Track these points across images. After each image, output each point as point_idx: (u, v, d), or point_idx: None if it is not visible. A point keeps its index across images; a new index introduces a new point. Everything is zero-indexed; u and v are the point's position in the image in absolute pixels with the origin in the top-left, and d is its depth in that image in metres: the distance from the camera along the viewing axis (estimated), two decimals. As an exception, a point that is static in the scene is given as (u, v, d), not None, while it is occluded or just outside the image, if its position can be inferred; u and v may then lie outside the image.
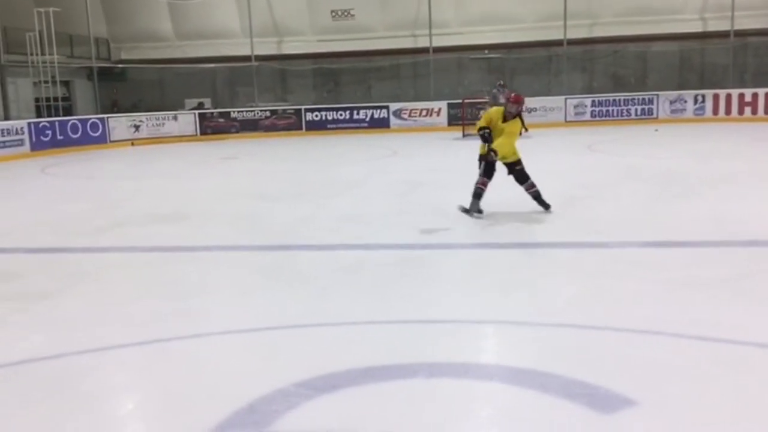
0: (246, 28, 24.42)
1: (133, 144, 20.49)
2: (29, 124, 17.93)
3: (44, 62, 20.35)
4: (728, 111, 20.37)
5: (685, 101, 20.76)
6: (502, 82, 19.10)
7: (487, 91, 20.69)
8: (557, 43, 23.00)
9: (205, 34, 25.37)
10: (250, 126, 22.43)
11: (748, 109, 20.20)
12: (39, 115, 20.65)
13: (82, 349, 4.20)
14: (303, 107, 22.93)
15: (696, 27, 22.92)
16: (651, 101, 21.00)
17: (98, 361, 4.05)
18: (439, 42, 23.37)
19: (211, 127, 22.34)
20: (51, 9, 20.08)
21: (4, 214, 9.64)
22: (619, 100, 21.31)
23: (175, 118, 21.94)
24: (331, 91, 25.85)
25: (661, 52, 23.57)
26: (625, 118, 21.07)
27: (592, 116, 21.28)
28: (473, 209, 7.57)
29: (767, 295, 4.88)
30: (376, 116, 22.26)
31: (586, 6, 23.14)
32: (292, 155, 16.62)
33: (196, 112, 22.81)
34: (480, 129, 7.60)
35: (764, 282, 5.17)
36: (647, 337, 4.09)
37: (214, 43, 25.28)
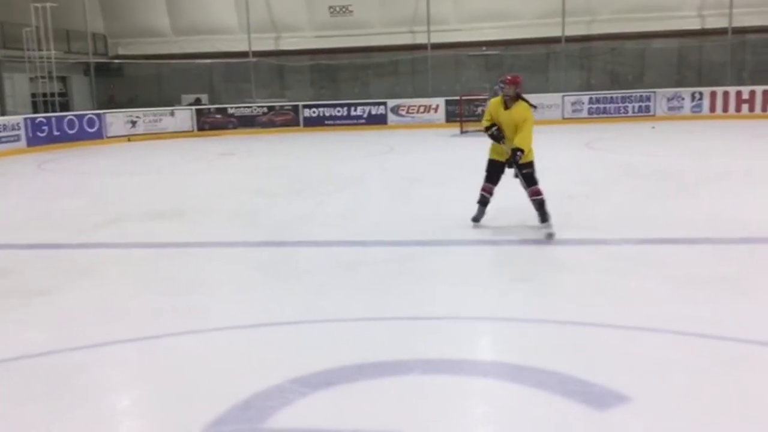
0: (243, 23, 24.38)
1: (129, 140, 20.42)
2: (26, 119, 17.87)
3: (41, 58, 20.28)
4: (726, 108, 20.39)
5: (683, 98, 20.78)
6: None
7: (488, 88, 20.65)
8: (555, 40, 22.99)
9: (202, 29, 25.32)
10: (248, 122, 22.41)
11: (745, 107, 20.22)
12: (35, 111, 20.60)
13: (78, 345, 4.20)
14: (300, 103, 22.92)
15: (694, 24, 22.91)
16: (648, 98, 21.01)
17: (94, 357, 4.05)
18: (437, 38, 23.36)
19: (208, 123, 22.32)
20: (48, 4, 19.99)
21: (0, 210, 9.61)
22: (617, 97, 21.31)
23: (172, 113, 21.91)
24: (327, 87, 25.79)
25: (659, 50, 23.58)
26: (623, 115, 21.06)
27: (589, 113, 21.28)
28: (478, 216, 7.00)
29: (767, 294, 4.89)
30: (373, 113, 22.24)
31: (584, 3, 23.14)
32: (289, 151, 16.59)
33: (193, 108, 22.80)
34: (486, 129, 6.84)
35: (764, 280, 5.18)
36: (646, 334, 4.09)
37: (212, 38, 25.28)
